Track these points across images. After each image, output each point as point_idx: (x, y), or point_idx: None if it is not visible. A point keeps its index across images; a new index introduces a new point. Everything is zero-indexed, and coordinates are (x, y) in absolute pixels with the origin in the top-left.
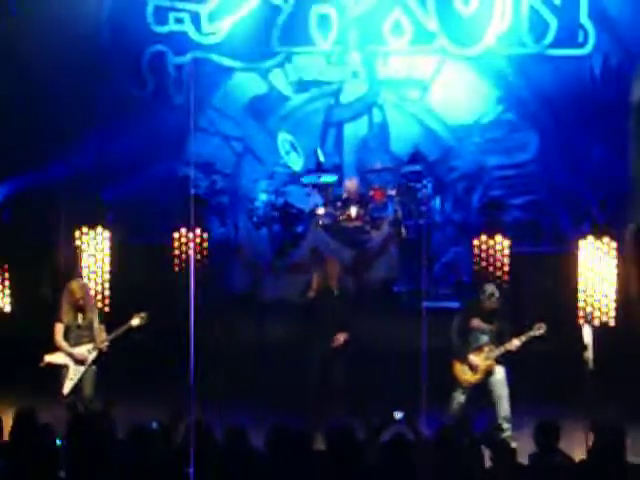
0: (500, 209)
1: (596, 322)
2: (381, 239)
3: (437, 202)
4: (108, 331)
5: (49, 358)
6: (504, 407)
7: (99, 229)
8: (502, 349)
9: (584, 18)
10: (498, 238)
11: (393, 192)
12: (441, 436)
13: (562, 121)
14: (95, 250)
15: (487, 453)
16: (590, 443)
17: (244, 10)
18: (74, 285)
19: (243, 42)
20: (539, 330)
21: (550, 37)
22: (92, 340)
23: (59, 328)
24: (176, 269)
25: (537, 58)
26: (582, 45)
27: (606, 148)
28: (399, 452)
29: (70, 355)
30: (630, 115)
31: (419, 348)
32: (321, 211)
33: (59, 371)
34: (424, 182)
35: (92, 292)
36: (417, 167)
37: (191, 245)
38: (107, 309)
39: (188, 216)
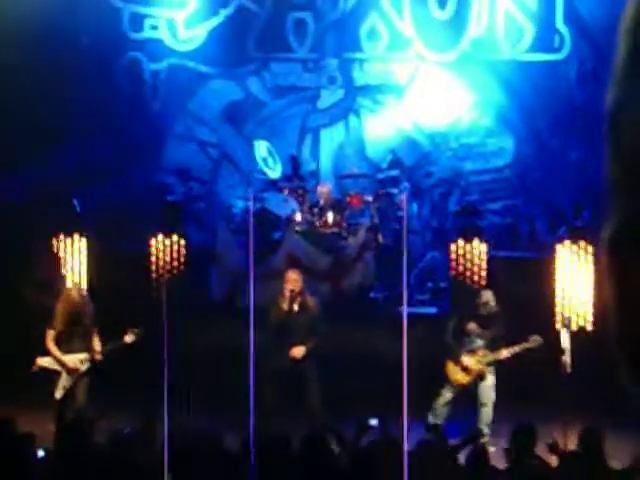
0: (477, 214)
1: (573, 326)
2: (358, 245)
3: (414, 208)
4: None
5: (41, 362)
6: (488, 413)
7: (76, 236)
8: (493, 356)
9: (560, 23)
10: (475, 243)
11: (370, 198)
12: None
13: (538, 126)
14: (72, 257)
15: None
16: (567, 447)
17: (220, 16)
18: (72, 292)
19: (219, 48)
20: (533, 343)
21: (526, 42)
22: (86, 349)
23: (50, 334)
24: (153, 275)
25: (513, 63)
26: (558, 50)
27: (582, 153)
28: (373, 459)
29: (61, 363)
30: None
31: (396, 355)
32: (298, 217)
33: (51, 376)
34: (401, 188)
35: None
36: (394, 173)
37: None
38: None
39: (164, 223)
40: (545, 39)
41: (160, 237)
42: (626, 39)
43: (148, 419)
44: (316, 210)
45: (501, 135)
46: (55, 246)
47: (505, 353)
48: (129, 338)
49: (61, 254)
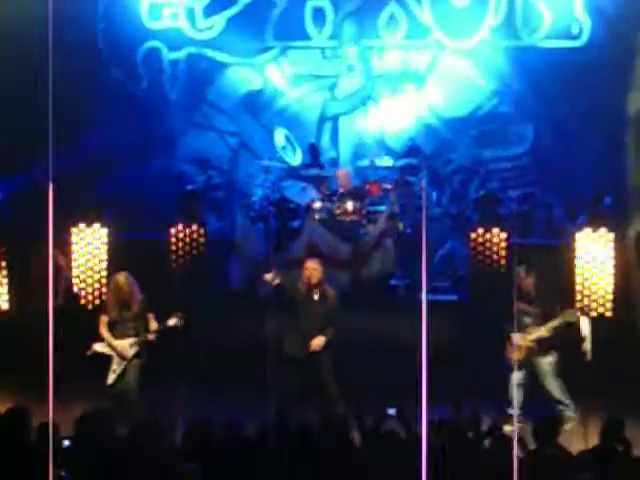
0: (496, 202)
1: (593, 314)
2: (377, 233)
3: (433, 195)
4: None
5: (97, 347)
6: (554, 391)
7: (96, 226)
8: (539, 332)
9: (579, 10)
10: (495, 231)
11: (389, 186)
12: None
13: (557, 113)
14: (92, 247)
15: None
16: (589, 436)
17: (239, 5)
18: (118, 278)
19: (238, 37)
20: (570, 316)
21: (545, 29)
22: (137, 333)
23: (103, 319)
24: (174, 265)
25: (532, 50)
26: (577, 37)
27: (602, 140)
28: (391, 448)
29: (112, 347)
30: (627, 106)
31: (416, 342)
32: (317, 205)
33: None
34: (420, 175)
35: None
36: (413, 161)
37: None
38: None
39: (184, 212)
40: (564, 26)
41: (180, 226)
42: None
43: (170, 406)
44: (335, 198)
45: (520, 122)
46: (76, 235)
47: (545, 329)
48: (172, 321)
49: (81, 243)
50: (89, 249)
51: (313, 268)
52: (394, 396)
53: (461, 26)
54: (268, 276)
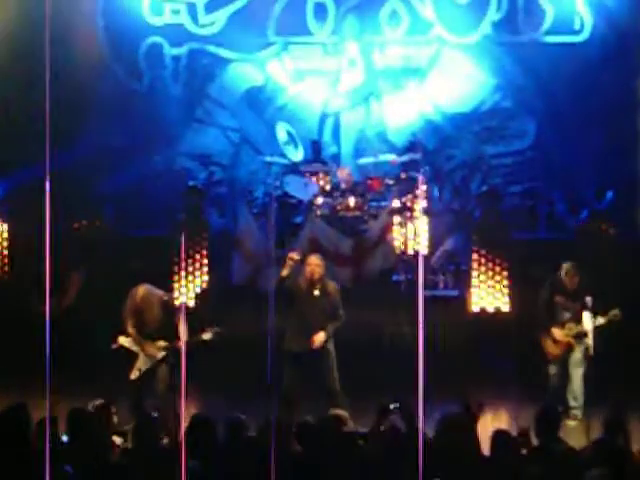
0: (499, 197)
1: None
2: (379, 228)
3: (435, 191)
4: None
5: (122, 340)
6: (576, 385)
7: (97, 223)
8: (579, 329)
9: (580, 5)
10: (496, 226)
11: (391, 181)
12: (441, 427)
13: (559, 108)
14: (93, 242)
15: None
16: (591, 431)
17: (241, 0)
18: (137, 292)
19: (240, 33)
20: (614, 316)
21: (547, 24)
22: (167, 336)
23: (130, 322)
24: (175, 260)
25: (534, 45)
26: (579, 32)
27: (603, 135)
28: (394, 442)
29: (140, 346)
30: (629, 102)
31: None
32: (319, 201)
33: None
34: (422, 171)
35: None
36: (415, 156)
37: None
38: None
39: (186, 208)
40: (566, 21)
41: (182, 222)
42: None
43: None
44: (337, 194)
45: (522, 118)
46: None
47: (588, 325)
48: (207, 335)
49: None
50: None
51: (315, 264)
52: (396, 391)
53: (463, 21)
54: (293, 254)
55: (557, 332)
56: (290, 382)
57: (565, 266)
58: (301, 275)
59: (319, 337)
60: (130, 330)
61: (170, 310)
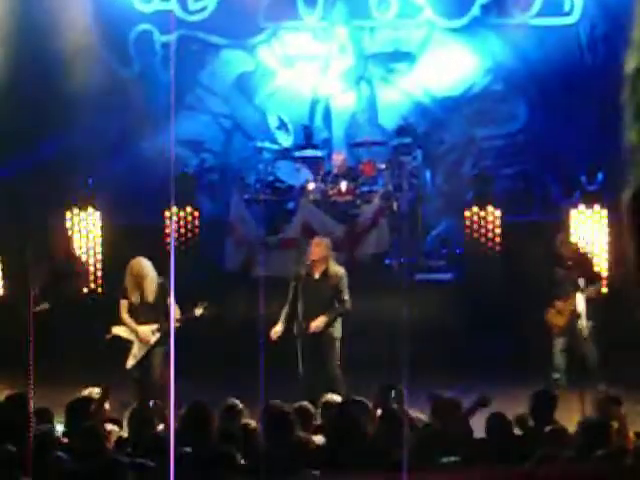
0: (490, 180)
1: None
2: (372, 213)
3: (427, 174)
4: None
5: (116, 330)
6: (590, 357)
7: (90, 210)
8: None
9: None
10: (489, 209)
11: (383, 166)
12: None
13: (550, 90)
14: (87, 231)
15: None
16: (587, 413)
17: None
18: (138, 263)
19: (229, 19)
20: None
21: (536, 6)
22: (157, 320)
23: (124, 304)
24: (168, 248)
25: (524, 28)
26: (568, 14)
27: (594, 116)
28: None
29: (134, 332)
30: (620, 84)
31: (411, 321)
32: (311, 186)
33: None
34: (414, 155)
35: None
36: (406, 140)
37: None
38: (100, 290)
39: (178, 195)
40: (555, 3)
41: (174, 209)
42: None
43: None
44: (329, 179)
45: (513, 100)
46: (69, 219)
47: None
48: (199, 311)
49: (75, 227)
50: (83, 233)
51: (315, 244)
52: (387, 374)
53: (453, 5)
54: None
55: (560, 303)
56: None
57: (560, 236)
58: (301, 258)
59: (317, 322)
60: (124, 316)
61: (165, 293)
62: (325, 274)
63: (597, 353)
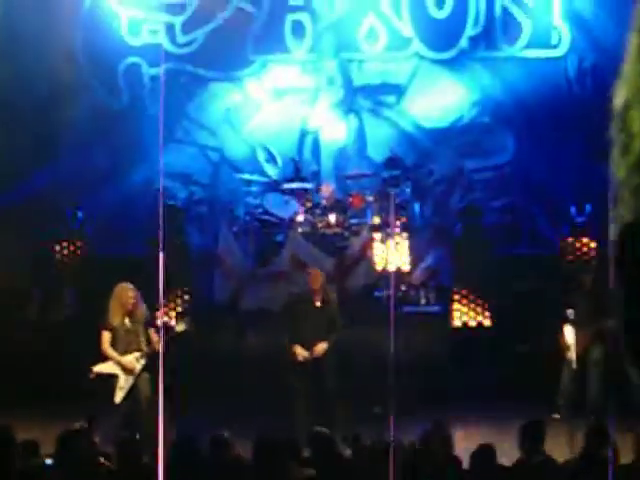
0: (479, 212)
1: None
2: (360, 245)
3: (416, 206)
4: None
5: (98, 368)
6: (595, 388)
7: (79, 243)
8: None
9: (558, 19)
10: (478, 241)
11: (371, 198)
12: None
13: (538, 123)
14: (75, 263)
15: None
16: (575, 444)
17: (218, 20)
18: (123, 288)
19: (218, 52)
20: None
21: (524, 39)
22: (139, 347)
23: (106, 336)
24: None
25: (511, 60)
26: (556, 46)
27: (582, 149)
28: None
29: (119, 364)
30: (608, 116)
31: (400, 353)
32: (300, 218)
33: (109, 381)
34: (402, 187)
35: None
36: (395, 172)
37: None
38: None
39: (165, 227)
40: (543, 36)
41: (162, 241)
42: (634, 39)
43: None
44: (318, 211)
45: (501, 132)
46: (58, 252)
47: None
48: (180, 327)
49: (64, 259)
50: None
51: (313, 273)
52: (377, 404)
53: (441, 37)
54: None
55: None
56: (299, 393)
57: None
58: (290, 291)
59: (320, 347)
60: (107, 349)
61: (146, 319)
62: (325, 302)
63: (596, 384)
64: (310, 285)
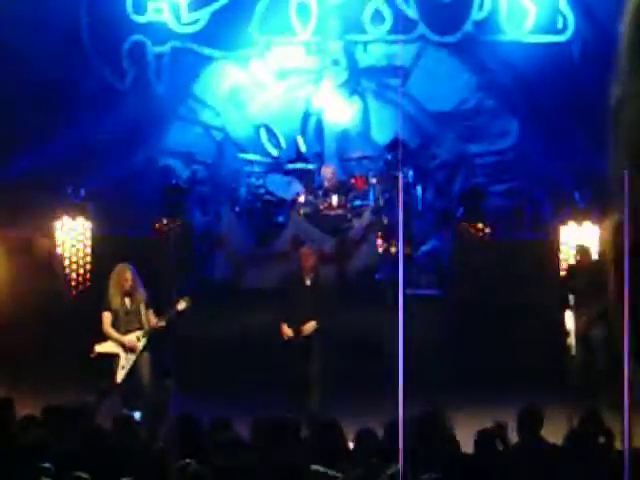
0: (481, 197)
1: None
2: (362, 227)
3: (418, 190)
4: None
5: (99, 348)
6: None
7: (80, 220)
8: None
9: (563, 4)
10: (479, 225)
11: (374, 180)
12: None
13: (542, 108)
14: (76, 241)
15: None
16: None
17: None
18: (122, 269)
19: (223, 31)
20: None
21: (529, 24)
22: (141, 326)
23: (107, 317)
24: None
25: (516, 45)
26: (561, 31)
27: (586, 134)
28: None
29: (120, 343)
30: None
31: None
32: (302, 200)
33: (111, 360)
34: (405, 170)
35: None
36: (398, 155)
37: None
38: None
39: (169, 206)
40: (548, 20)
41: (164, 221)
42: (628, 32)
43: (155, 402)
44: (320, 192)
45: (505, 117)
46: (59, 229)
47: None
48: (181, 306)
49: (65, 237)
50: (73, 243)
51: (304, 253)
52: (374, 389)
53: (446, 20)
54: None
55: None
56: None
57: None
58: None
59: (309, 325)
60: (108, 329)
61: (145, 298)
62: (315, 282)
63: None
64: (301, 264)
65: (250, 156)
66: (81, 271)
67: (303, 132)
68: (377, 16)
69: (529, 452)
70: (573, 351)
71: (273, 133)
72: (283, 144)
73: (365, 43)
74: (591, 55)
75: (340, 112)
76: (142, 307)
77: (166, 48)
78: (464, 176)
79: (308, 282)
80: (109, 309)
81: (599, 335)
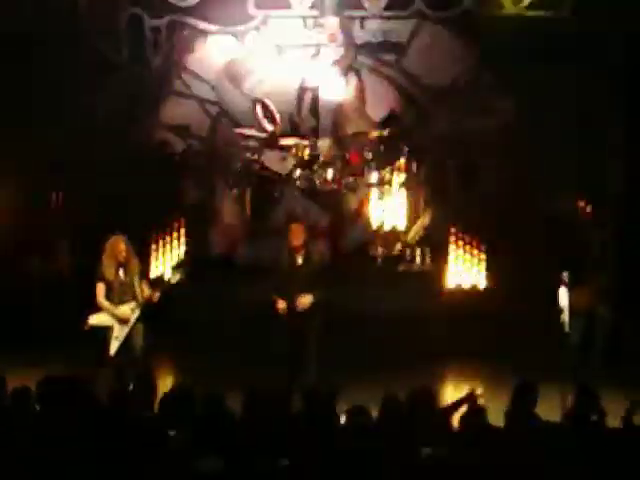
0: (477, 172)
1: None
2: (357, 202)
3: (413, 165)
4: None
5: (92, 320)
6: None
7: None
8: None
9: None
10: (474, 200)
11: (369, 156)
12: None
13: (539, 84)
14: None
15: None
16: (568, 406)
17: None
18: (116, 240)
19: (219, 5)
20: None
21: None
22: (134, 297)
23: (100, 288)
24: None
25: (515, 20)
26: (560, 7)
27: (584, 111)
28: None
29: (114, 315)
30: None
31: (395, 311)
32: (297, 174)
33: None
34: (400, 145)
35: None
36: (393, 131)
37: None
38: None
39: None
40: None
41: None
42: None
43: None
44: (316, 167)
45: (502, 93)
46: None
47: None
48: (174, 278)
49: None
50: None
51: (294, 229)
52: (373, 364)
53: None
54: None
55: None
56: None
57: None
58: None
59: (305, 299)
60: (101, 300)
61: (139, 269)
62: (307, 259)
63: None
64: (291, 241)
65: (245, 131)
66: None
67: (298, 107)
68: None
69: (521, 427)
70: (566, 328)
71: (269, 108)
72: (278, 119)
73: (362, 19)
74: (590, 31)
75: (336, 87)
76: (136, 278)
77: (163, 21)
78: (460, 152)
79: (299, 260)
80: (103, 280)
81: (600, 312)
